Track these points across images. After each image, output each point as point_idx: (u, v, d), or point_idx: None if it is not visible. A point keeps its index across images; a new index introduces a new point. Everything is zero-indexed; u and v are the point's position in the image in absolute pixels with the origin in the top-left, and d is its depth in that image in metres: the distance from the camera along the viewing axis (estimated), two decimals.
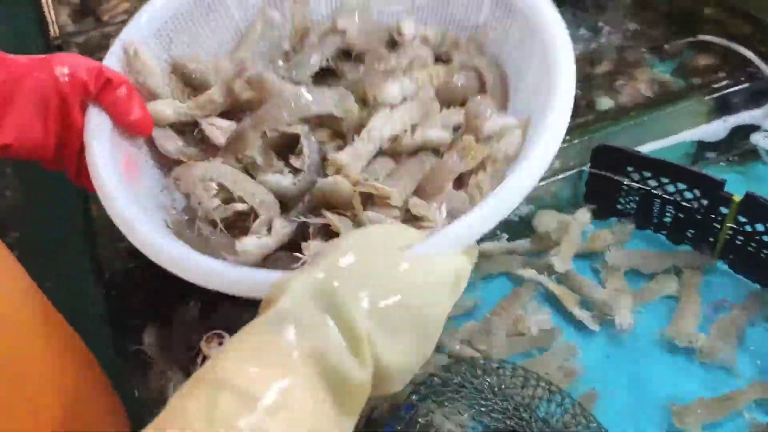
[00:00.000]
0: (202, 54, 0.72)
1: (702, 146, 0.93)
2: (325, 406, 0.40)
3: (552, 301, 0.79)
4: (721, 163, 0.93)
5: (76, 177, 0.62)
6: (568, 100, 0.61)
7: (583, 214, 0.84)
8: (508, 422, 0.59)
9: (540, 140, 0.58)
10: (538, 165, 0.56)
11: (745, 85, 0.95)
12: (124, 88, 0.59)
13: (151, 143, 0.65)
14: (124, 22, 1.13)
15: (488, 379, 0.61)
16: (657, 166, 0.81)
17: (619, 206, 0.86)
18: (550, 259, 0.80)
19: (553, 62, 0.64)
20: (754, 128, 0.94)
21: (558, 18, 0.67)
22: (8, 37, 1.21)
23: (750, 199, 0.77)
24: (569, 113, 0.60)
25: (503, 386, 0.62)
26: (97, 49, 1.10)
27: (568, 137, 0.87)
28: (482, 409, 0.59)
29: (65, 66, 0.56)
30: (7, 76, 0.54)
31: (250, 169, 0.62)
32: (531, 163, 0.56)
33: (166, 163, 0.66)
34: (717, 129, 0.92)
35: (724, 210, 0.79)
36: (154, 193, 0.64)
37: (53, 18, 1.12)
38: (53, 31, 1.10)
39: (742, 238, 0.80)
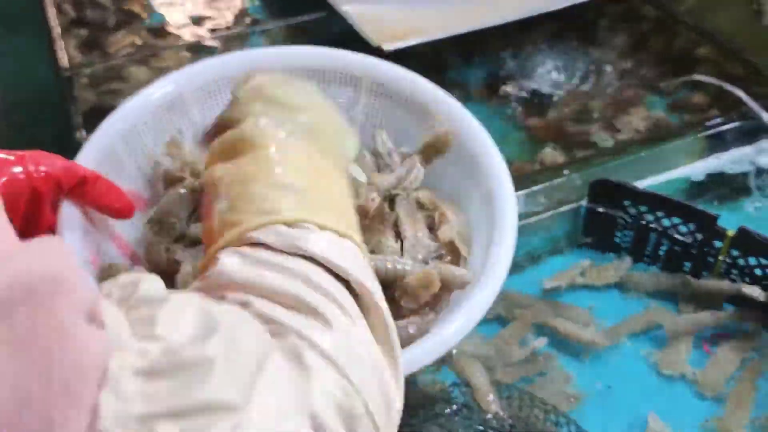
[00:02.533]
0: None
1: (696, 182, 0.95)
2: None
3: (544, 331, 0.81)
4: (714, 200, 0.95)
5: None
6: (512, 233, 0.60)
7: None
8: None
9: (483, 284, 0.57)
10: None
11: (738, 124, 0.97)
12: (101, 183, 0.59)
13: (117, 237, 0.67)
14: (129, 55, 1.17)
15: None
16: (653, 201, 0.83)
17: (616, 240, 0.88)
18: None
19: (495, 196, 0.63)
20: (746, 165, 0.96)
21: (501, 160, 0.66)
22: (19, 68, 1.24)
23: (743, 233, 0.79)
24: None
25: (501, 408, 0.63)
26: (104, 80, 1.13)
27: (566, 172, 0.89)
28: (480, 427, 0.61)
29: (41, 164, 0.56)
30: None
31: None
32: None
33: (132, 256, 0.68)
34: (710, 165, 0.95)
35: (718, 244, 0.81)
36: None
37: (63, 50, 1.14)
38: (63, 63, 1.12)
39: (735, 271, 0.81)
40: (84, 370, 0.28)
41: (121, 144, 0.66)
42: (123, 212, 0.61)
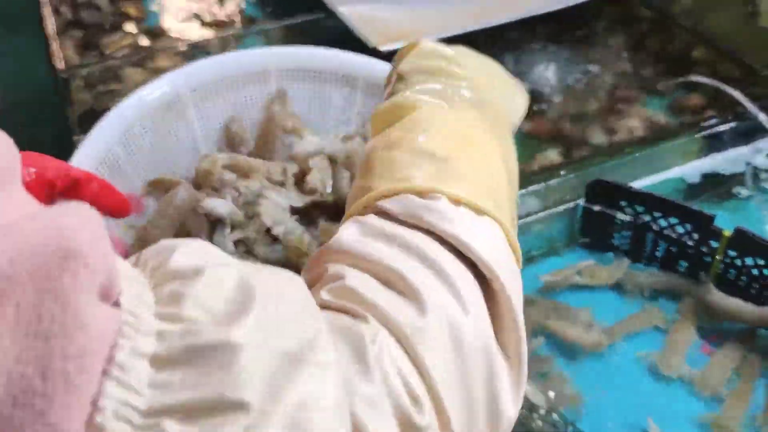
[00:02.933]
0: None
1: (692, 182, 0.95)
2: None
3: (543, 332, 0.81)
4: (711, 199, 0.95)
5: None
6: None
7: None
8: None
9: None
10: None
11: (734, 124, 0.97)
12: (94, 183, 0.59)
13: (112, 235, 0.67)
14: (126, 56, 1.17)
15: None
16: (649, 201, 0.83)
17: (613, 240, 0.88)
18: None
19: None
20: (742, 165, 0.96)
21: None
22: (17, 69, 1.24)
23: (739, 233, 0.79)
24: None
25: None
26: (100, 81, 1.12)
27: (563, 172, 0.89)
28: None
29: (31, 166, 0.56)
30: None
31: None
32: None
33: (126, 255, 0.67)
34: (707, 165, 0.95)
35: (714, 244, 0.81)
36: None
37: (59, 51, 1.14)
38: (59, 64, 1.12)
39: (733, 271, 0.82)
40: (87, 355, 0.24)
41: (118, 146, 0.65)
42: (119, 211, 0.61)
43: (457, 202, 0.39)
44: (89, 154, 0.63)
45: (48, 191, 0.56)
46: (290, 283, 0.33)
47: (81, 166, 0.61)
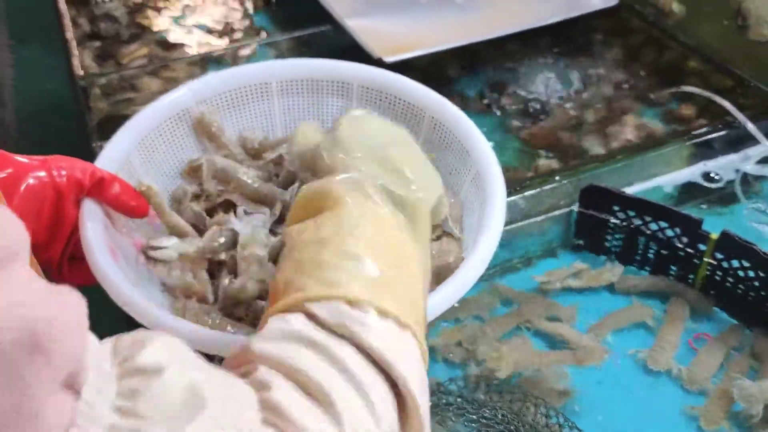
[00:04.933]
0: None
1: (684, 188, 0.99)
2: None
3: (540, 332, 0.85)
4: (701, 205, 0.99)
5: (58, 271, 0.65)
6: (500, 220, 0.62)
7: None
8: (497, 427, 0.64)
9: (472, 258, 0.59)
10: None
11: (724, 132, 1.01)
12: (116, 184, 0.63)
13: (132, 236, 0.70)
14: (142, 66, 1.22)
15: (480, 395, 0.66)
16: (640, 206, 0.87)
17: (606, 243, 0.92)
18: None
19: (484, 183, 0.66)
20: (732, 171, 1.00)
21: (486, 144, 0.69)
22: (37, 78, 1.29)
23: (726, 237, 0.82)
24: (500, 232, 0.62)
25: (492, 399, 0.67)
26: (118, 90, 1.17)
27: (557, 178, 0.94)
28: (473, 416, 0.64)
29: (62, 168, 0.60)
30: (8, 174, 0.58)
31: None
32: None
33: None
34: (697, 172, 0.99)
35: (702, 247, 0.85)
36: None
37: (79, 61, 1.19)
38: (78, 73, 1.16)
39: (720, 273, 0.85)
40: None
41: (135, 154, 0.69)
42: (138, 211, 0.65)
43: (384, 315, 0.41)
44: (108, 162, 0.67)
45: (77, 191, 0.61)
46: (239, 395, 0.36)
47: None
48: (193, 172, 0.72)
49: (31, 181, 0.58)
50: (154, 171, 0.71)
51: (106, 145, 0.69)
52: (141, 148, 0.70)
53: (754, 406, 0.74)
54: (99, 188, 0.62)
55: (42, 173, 0.59)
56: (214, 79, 0.74)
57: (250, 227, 0.66)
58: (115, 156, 0.67)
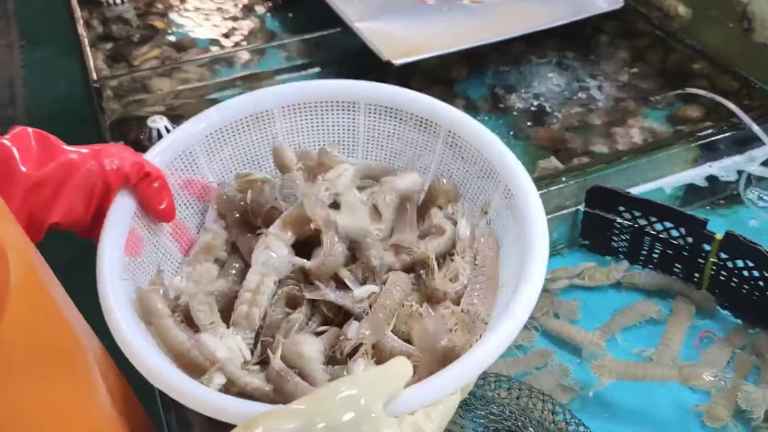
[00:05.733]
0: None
1: (689, 189, 1.00)
2: None
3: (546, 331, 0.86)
4: (707, 206, 1.00)
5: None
6: (541, 270, 0.59)
7: None
8: (505, 422, 0.65)
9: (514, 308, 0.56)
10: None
11: (729, 134, 1.02)
12: (158, 182, 0.65)
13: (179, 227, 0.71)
14: (154, 68, 1.24)
15: (487, 392, 0.67)
16: (645, 206, 0.88)
17: (612, 243, 0.93)
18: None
19: (528, 232, 0.62)
20: (737, 172, 1.01)
21: (534, 190, 0.65)
22: (52, 78, 1.31)
23: (730, 237, 0.83)
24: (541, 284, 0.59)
25: (500, 396, 0.69)
26: (130, 92, 1.19)
27: (563, 179, 0.95)
28: (480, 412, 0.66)
29: (114, 159, 0.62)
30: (62, 167, 0.60)
31: None
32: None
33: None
34: (703, 173, 1.00)
35: (707, 247, 0.86)
36: (149, 270, 0.67)
37: (92, 62, 1.21)
38: (92, 74, 1.18)
39: (725, 273, 0.86)
40: None
41: (198, 146, 0.71)
42: (163, 217, 0.67)
43: None
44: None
45: (123, 181, 0.63)
46: None
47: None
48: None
49: (83, 172, 0.61)
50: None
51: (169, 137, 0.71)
52: (207, 145, 0.72)
53: (756, 410, 0.76)
54: (142, 183, 0.65)
55: (93, 165, 0.61)
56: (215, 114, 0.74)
57: None
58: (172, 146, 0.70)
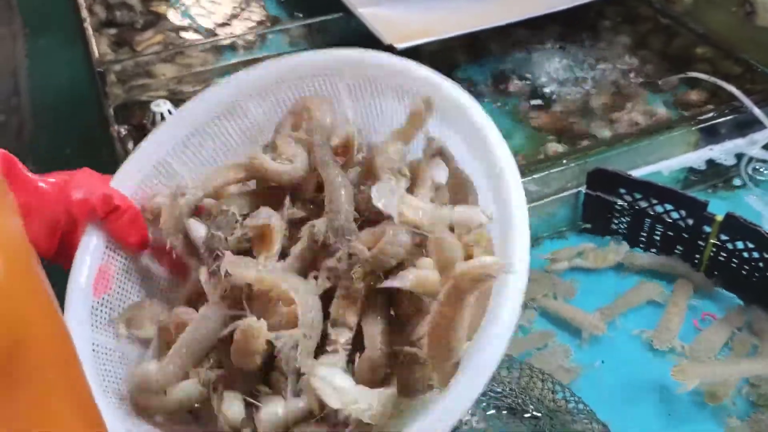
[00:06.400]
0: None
1: (690, 172, 1.01)
2: None
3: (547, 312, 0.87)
4: (707, 189, 1.00)
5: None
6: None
7: None
8: (506, 400, 0.66)
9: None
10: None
11: (730, 117, 1.02)
12: (128, 214, 0.62)
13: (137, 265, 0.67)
14: (157, 53, 1.24)
15: None
16: (645, 188, 0.88)
17: (613, 225, 0.94)
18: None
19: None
20: (738, 156, 1.02)
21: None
22: (56, 66, 1.31)
23: (730, 218, 0.84)
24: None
25: (500, 375, 0.69)
26: (133, 77, 1.20)
27: (564, 161, 0.95)
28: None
29: (80, 190, 0.60)
30: (26, 199, 0.59)
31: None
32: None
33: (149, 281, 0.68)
34: (704, 156, 1.00)
35: (707, 229, 0.86)
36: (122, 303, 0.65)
37: (95, 48, 1.21)
38: (95, 61, 1.19)
39: (725, 255, 0.87)
40: None
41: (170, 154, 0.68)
42: (135, 248, 0.65)
43: None
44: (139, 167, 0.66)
45: (90, 214, 0.62)
46: None
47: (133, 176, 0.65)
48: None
49: (47, 204, 0.59)
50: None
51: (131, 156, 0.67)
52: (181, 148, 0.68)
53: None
54: (111, 216, 0.62)
55: (59, 197, 0.60)
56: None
57: None
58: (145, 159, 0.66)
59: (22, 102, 1.32)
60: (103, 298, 0.62)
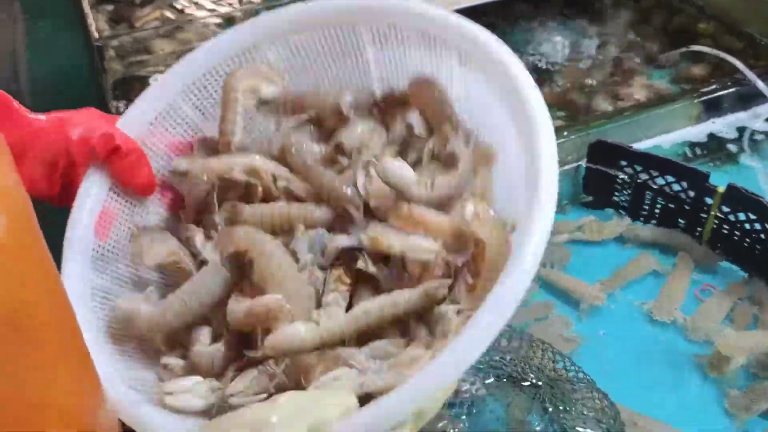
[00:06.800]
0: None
1: (692, 145, 1.00)
2: None
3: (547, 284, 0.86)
4: (709, 162, 0.99)
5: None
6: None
7: None
8: (506, 369, 0.66)
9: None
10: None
11: (733, 90, 1.02)
12: (132, 155, 0.59)
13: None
14: (156, 29, 1.23)
15: None
16: (646, 160, 0.88)
17: (614, 198, 0.93)
18: None
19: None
20: (740, 129, 1.01)
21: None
22: (54, 49, 1.31)
23: (732, 190, 0.83)
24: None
25: (500, 345, 0.69)
26: (132, 52, 1.19)
27: (566, 133, 0.95)
28: (480, 359, 0.66)
29: (79, 128, 0.57)
30: (21, 137, 0.56)
31: None
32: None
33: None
34: (706, 130, 1.00)
35: (709, 200, 0.86)
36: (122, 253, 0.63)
37: (93, 23, 1.21)
38: (94, 34, 1.18)
39: (727, 227, 0.86)
40: None
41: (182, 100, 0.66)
42: (143, 190, 0.62)
43: None
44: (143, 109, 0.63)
45: (90, 154, 0.58)
46: None
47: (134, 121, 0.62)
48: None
49: (43, 142, 0.56)
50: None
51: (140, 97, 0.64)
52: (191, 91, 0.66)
53: (734, 357, 0.75)
54: (113, 157, 0.59)
55: (56, 135, 0.57)
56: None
57: None
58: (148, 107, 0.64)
59: (22, 87, 1.32)
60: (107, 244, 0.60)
